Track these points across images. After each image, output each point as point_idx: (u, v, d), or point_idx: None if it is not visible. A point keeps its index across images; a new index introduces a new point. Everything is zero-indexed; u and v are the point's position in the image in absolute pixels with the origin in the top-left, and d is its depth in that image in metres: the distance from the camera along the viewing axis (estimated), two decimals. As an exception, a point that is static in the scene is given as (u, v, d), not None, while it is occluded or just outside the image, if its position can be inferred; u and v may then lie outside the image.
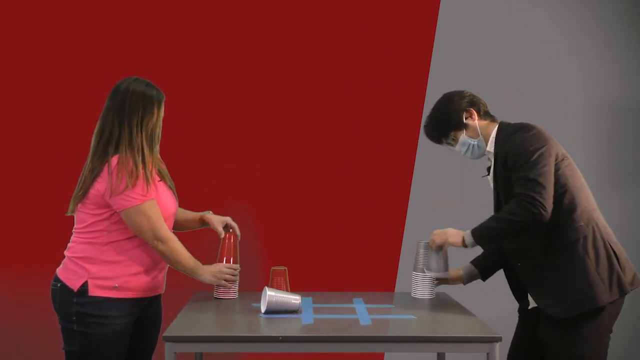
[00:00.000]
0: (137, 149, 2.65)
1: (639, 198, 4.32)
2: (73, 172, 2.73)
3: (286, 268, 3.08)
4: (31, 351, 3.97)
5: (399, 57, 4.22)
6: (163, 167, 2.88)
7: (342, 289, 3.44)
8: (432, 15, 4.25)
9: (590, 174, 4.19)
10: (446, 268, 3.04)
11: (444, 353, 3.20)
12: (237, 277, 2.96)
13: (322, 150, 4.20)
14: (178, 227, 3.00)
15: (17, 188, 4.08)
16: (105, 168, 2.62)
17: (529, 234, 2.73)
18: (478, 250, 3.00)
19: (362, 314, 2.81)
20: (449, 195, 4.23)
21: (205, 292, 3.11)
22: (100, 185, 2.62)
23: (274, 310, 2.74)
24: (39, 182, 4.04)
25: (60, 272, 2.70)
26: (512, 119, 3.01)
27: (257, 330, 2.60)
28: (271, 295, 2.74)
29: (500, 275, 3.05)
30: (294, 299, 2.78)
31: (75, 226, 2.73)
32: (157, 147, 2.75)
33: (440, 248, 3.00)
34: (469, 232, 2.86)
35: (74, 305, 2.63)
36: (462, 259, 3.16)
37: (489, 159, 2.96)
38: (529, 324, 2.90)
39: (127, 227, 2.66)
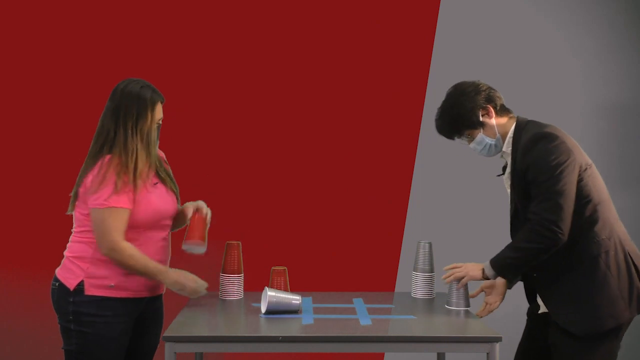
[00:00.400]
0: (132, 151, 2.65)
1: (639, 198, 4.32)
2: (75, 172, 2.73)
3: (286, 268, 3.09)
4: (32, 351, 3.97)
5: (399, 57, 4.21)
6: (168, 168, 2.88)
7: (342, 289, 3.44)
8: (432, 15, 4.25)
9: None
10: (467, 302, 2.92)
11: (444, 353, 3.20)
12: (204, 292, 2.81)
13: (322, 150, 4.20)
14: (174, 226, 2.97)
15: (19, 188, 4.08)
16: (96, 166, 2.63)
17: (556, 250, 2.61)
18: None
19: (362, 314, 2.81)
20: (449, 195, 4.23)
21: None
22: (86, 183, 2.64)
23: (274, 311, 2.74)
24: (41, 182, 4.04)
25: (58, 271, 2.71)
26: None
27: (257, 330, 2.60)
28: (271, 295, 2.74)
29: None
30: (294, 299, 2.78)
31: (73, 226, 2.74)
32: (154, 149, 2.74)
33: (457, 281, 2.86)
34: (488, 264, 2.74)
35: (70, 304, 2.64)
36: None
37: (501, 156, 2.84)
38: (537, 328, 2.83)
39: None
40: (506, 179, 2.83)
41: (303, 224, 4.18)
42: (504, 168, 2.84)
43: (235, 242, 3.08)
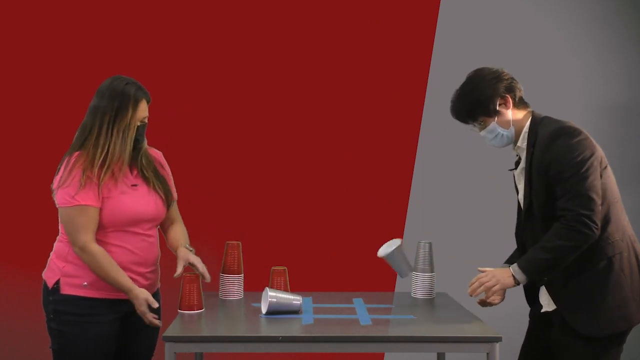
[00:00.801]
0: (103, 147, 2.60)
1: (639, 198, 4.32)
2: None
3: (286, 268, 3.08)
4: (30, 351, 3.97)
5: (399, 57, 4.21)
6: (164, 170, 2.85)
7: (342, 289, 3.44)
8: (432, 15, 4.25)
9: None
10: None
11: (444, 353, 3.19)
12: (157, 322, 2.70)
13: (322, 150, 4.20)
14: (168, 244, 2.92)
15: (15, 187, 4.08)
16: (64, 162, 2.62)
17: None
18: (507, 253, 2.90)
19: (362, 314, 2.81)
20: (449, 195, 4.22)
21: (205, 292, 3.10)
22: (55, 179, 2.64)
23: (275, 311, 2.73)
24: (36, 181, 4.02)
25: (45, 271, 2.72)
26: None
27: (257, 330, 2.60)
28: (272, 295, 2.73)
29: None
30: (295, 299, 2.77)
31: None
32: (130, 147, 2.65)
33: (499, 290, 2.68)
34: (517, 268, 2.62)
35: (50, 303, 2.65)
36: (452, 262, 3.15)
37: (517, 153, 2.76)
38: (539, 329, 2.80)
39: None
40: (519, 174, 2.76)
41: (303, 224, 4.18)
42: (517, 163, 2.78)
43: (235, 242, 3.08)
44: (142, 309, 2.62)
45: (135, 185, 2.71)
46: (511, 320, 3.09)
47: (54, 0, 4.11)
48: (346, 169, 4.20)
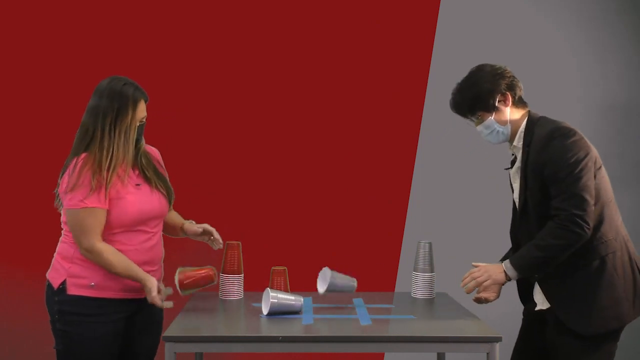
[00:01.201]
0: (108, 149, 2.61)
1: (639, 198, 4.32)
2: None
3: (286, 268, 3.08)
4: (30, 351, 3.97)
5: (399, 57, 4.21)
6: (162, 170, 2.86)
7: (342, 289, 3.43)
8: (432, 15, 4.25)
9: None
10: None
11: (444, 353, 3.20)
12: (168, 304, 2.69)
13: (322, 150, 4.20)
14: (166, 232, 2.94)
15: (15, 187, 4.08)
16: (71, 164, 2.62)
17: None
18: (503, 251, 2.93)
19: (362, 314, 2.81)
20: (449, 195, 4.23)
21: (205, 292, 3.10)
22: (62, 181, 2.63)
23: (276, 312, 2.73)
24: (37, 181, 4.03)
25: (49, 271, 2.71)
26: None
27: (257, 330, 2.60)
28: (273, 296, 2.72)
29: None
30: (297, 300, 2.77)
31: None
32: (132, 148, 2.67)
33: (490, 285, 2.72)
34: (509, 265, 2.66)
35: (55, 304, 2.64)
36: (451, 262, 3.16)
37: (513, 152, 2.79)
38: (533, 328, 2.82)
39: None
40: (514, 173, 2.79)
41: (303, 224, 4.18)
42: (513, 162, 2.80)
43: (235, 242, 3.08)
44: (152, 295, 2.63)
45: (138, 184, 2.72)
46: (511, 320, 3.09)
47: (51, 1, 4.11)
48: (346, 169, 4.20)
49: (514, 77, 2.75)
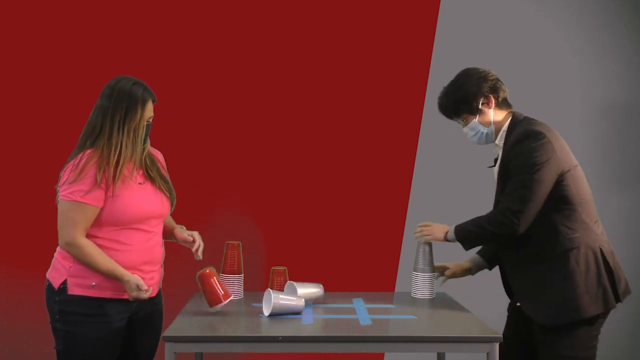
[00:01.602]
0: (116, 146, 2.62)
1: (638, 198, 4.32)
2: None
3: (286, 268, 3.08)
4: (29, 351, 3.97)
5: (399, 57, 4.21)
6: (164, 172, 2.87)
7: (342, 289, 3.44)
8: (432, 15, 4.25)
9: (590, 174, 4.18)
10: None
11: (444, 353, 3.20)
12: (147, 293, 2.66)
13: (322, 150, 4.20)
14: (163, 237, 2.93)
15: (15, 186, 4.08)
16: (74, 159, 2.62)
17: (529, 241, 2.75)
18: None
19: (362, 314, 2.81)
20: (449, 195, 4.22)
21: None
22: (62, 175, 2.64)
23: (277, 314, 2.73)
24: (36, 181, 4.03)
25: (49, 271, 2.71)
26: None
27: (257, 330, 2.60)
28: (275, 297, 2.72)
29: (500, 275, 3.05)
30: (298, 302, 2.76)
31: None
32: (140, 147, 2.69)
33: (427, 243, 3.06)
34: (452, 229, 2.92)
35: (56, 304, 2.64)
36: (456, 256, 3.17)
37: (495, 150, 2.92)
38: (519, 322, 2.89)
39: (101, 227, 2.64)
40: (496, 171, 2.92)
41: (303, 224, 4.18)
42: (496, 160, 2.92)
43: (235, 242, 3.08)
44: (133, 294, 2.62)
45: (141, 183, 2.73)
46: (511, 320, 3.09)
47: (54, 1, 4.11)
48: (346, 169, 4.20)
49: (497, 79, 2.90)
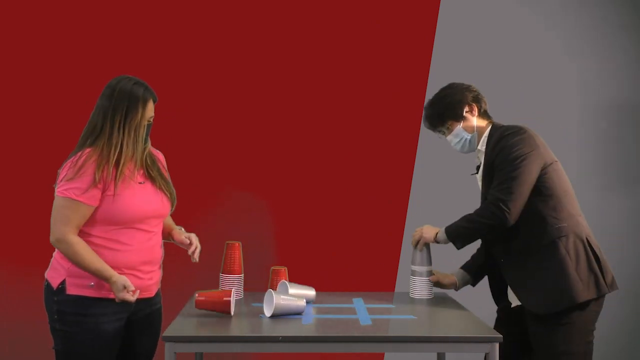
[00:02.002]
0: (116, 145, 2.63)
1: (638, 198, 4.32)
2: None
3: (286, 268, 3.08)
4: (29, 351, 3.97)
5: (399, 57, 4.21)
6: (165, 173, 2.87)
7: (342, 289, 3.44)
8: (432, 15, 4.25)
9: (590, 174, 4.21)
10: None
11: (444, 353, 3.20)
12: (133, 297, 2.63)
13: (322, 150, 4.20)
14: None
15: (14, 186, 4.08)
16: (72, 158, 2.62)
17: (499, 234, 2.86)
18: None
19: (362, 314, 2.81)
20: (449, 195, 4.22)
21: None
22: (60, 173, 2.64)
23: (278, 314, 2.73)
24: (36, 180, 4.03)
25: (47, 271, 2.71)
26: (511, 120, 3.02)
27: (257, 330, 2.60)
28: (277, 298, 2.71)
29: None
30: (299, 303, 2.76)
31: None
32: (140, 147, 2.70)
33: (422, 244, 3.11)
34: (442, 230, 3.01)
35: (55, 304, 2.64)
36: (450, 261, 3.18)
37: (478, 157, 3.04)
38: (512, 323, 2.94)
39: (101, 226, 2.64)
40: (479, 178, 3.04)
41: (303, 224, 4.18)
42: (478, 167, 3.05)
43: (235, 242, 3.08)
44: (120, 294, 2.60)
45: (141, 182, 2.73)
46: (511, 320, 3.08)
47: (55, 1, 4.11)
48: (346, 169, 4.20)
49: (479, 92, 3.06)
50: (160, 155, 2.91)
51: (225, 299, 2.69)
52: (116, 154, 2.63)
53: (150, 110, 2.71)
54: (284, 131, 4.19)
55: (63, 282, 2.63)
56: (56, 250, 2.70)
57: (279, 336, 2.47)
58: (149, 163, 2.78)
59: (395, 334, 2.60)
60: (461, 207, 4.18)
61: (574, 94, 4.30)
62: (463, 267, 3.19)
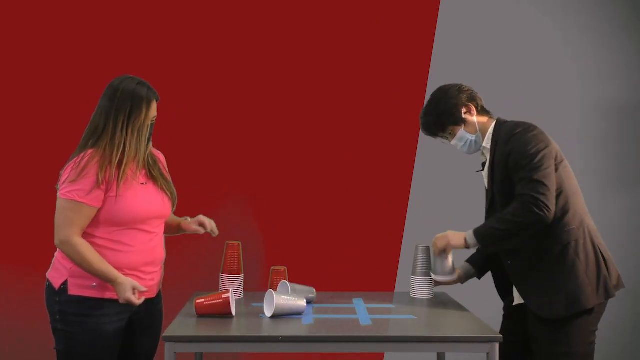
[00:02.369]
0: (119, 146, 2.62)
1: (638, 198, 4.32)
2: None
3: (286, 268, 3.08)
4: (29, 351, 3.97)
5: (399, 57, 4.21)
6: (166, 173, 2.87)
7: (342, 289, 3.44)
8: (432, 15, 4.25)
9: (590, 174, 4.21)
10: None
11: (444, 353, 3.20)
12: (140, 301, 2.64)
13: (322, 150, 4.20)
14: (165, 232, 2.94)
15: (14, 186, 4.08)
16: (75, 159, 2.61)
17: (530, 235, 2.75)
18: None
19: (362, 314, 2.81)
20: (449, 195, 4.23)
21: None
22: (63, 174, 2.63)
23: (279, 315, 2.73)
24: (36, 180, 4.03)
25: (49, 271, 2.71)
26: (511, 119, 3.01)
27: (257, 330, 2.60)
28: (278, 299, 2.71)
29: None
30: (300, 303, 2.76)
31: None
32: (144, 147, 2.70)
33: (444, 252, 2.99)
34: (471, 232, 2.89)
35: (56, 304, 2.63)
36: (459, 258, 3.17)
37: (483, 154, 2.98)
38: (515, 321, 2.92)
39: (104, 228, 2.64)
40: (485, 175, 2.97)
41: (303, 224, 4.18)
42: (484, 164, 2.98)
43: (235, 242, 3.08)
44: (127, 295, 2.60)
45: (143, 183, 2.73)
46: (511, 320, 3.08)
47: (56, 2, 4.11)
48: (346, 169, 4.20)
49: (472, 90, 2.99)
50: (160, 156, 2.91)
51: (224, 297, 2.69)
52: (119, 154, 2.62)
53: (154, 110, 2.71)
54: (284, 131, 4.19)
55: (65, 283, 2.63)
56: (58, 250, 2.70)
57: (279, 336, 2.47)
58: (150, 163, 2.78)
59: (395, 334, 2.60)
60: (461, 206, 4.21)
61: (574, 94, 4.30)
62: (469, 261, 3.14)
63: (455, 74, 2.97)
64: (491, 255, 3.03)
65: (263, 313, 2.75)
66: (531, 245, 2.78)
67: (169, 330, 2.50)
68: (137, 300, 2.63)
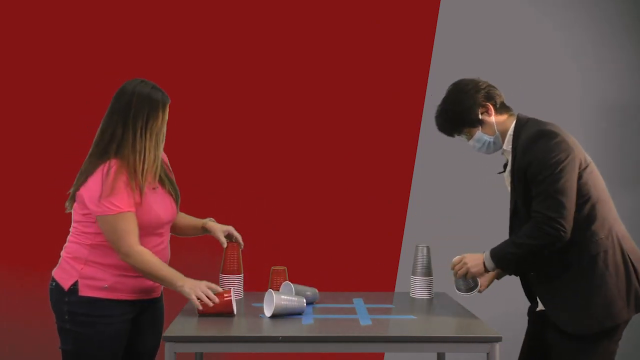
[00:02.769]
0: (140, 152, 2.61)
1: (638, 198, 4.32)
2: (74, 171, 2.72)
3: (286, 268, 3.08)
4: (31, 350, 3.97)
5: (399, 57, 4.21)
6: (170, 173, 2.87)
7: (342, 289, 3.44)
8: (432, 15, 4.25)
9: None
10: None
11: (444, 353, 3.20)
12: (214, 299, 2.67)
13: (322, 150, 4.20)
14: (178, 233, 2.97)
15: (18, 187, 4.08)
16: (100, 169, 2.59)
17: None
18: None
19: (362, 314, 2.81)
20: (449, 195, 4.23)
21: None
22: (88, 185, 2.59)
23: (279, 315, 2.73)
24: (40, 181, 4.04)
25: (55, 271, 2.70)
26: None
27: (257, 330, 2.60)
28: (277, 299, 2.70)
29: (498, 276, 3.04)
30: (300, 303, 2.76)
31: (71, 225, 2.72)
32: (160, 152, 2.70)
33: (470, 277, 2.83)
34: (488, 255, 2.72)
35: (65, 305, 2.63)
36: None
37: (502, 154, 2.82)
38: (538, 327, 2.81)
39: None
40: (507, 177, 2.81)
41: (303, 224, 4.18)
42: (505, 165, 2.83)
43: (235, 242, 3.08)
44: (192, 296, 2.63)
45: (155, 188, 2.74)
46: (511, 320, 3.09)
47: (54, 3, 4.11)
48: (346, 170, 4.20)
49: (489, 85, 2.78)
50: (163, 156, 2.90)
51: (226, 297, 2.69)
52: (142, 161, 2.61)
53: (167, 113, 2.70)
54: (284, 131, 4.19)
55: (75, 284, 2.63)
56: (65, 250, 2.69)
57: (279, 336, 2.47)
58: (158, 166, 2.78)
59: (395, 334, 2.60)
60: (461, 206, 4.21)
61: (574, 94, 4.30)
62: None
63: (455, 74, 2.94)
64: None
65: (263, 313, 2.75)
66: (557, 257, 2.62)
67: (169, 331, 2.50)
68: (210, 301, 2.63)
